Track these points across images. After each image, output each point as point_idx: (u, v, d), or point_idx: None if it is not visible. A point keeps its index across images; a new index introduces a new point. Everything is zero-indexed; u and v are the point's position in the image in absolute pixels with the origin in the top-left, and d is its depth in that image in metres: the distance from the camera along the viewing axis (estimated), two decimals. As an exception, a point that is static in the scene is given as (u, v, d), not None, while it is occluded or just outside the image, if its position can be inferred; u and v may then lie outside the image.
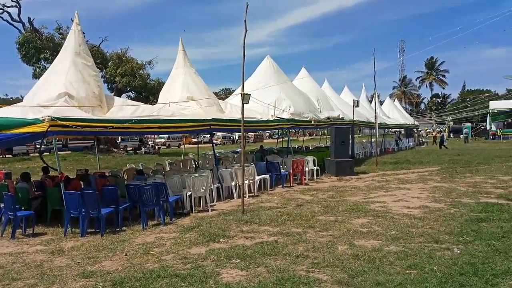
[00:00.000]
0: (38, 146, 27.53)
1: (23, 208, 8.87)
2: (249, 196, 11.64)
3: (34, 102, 9.28)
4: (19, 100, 36.50)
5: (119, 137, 37.54)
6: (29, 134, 8.01)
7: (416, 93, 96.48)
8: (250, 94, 10.01)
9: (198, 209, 10.17)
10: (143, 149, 37.38)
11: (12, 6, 34.76)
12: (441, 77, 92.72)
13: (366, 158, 24.41)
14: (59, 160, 9.10)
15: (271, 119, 15.04)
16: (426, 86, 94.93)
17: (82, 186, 9.97)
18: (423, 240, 6.71)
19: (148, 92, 37.84)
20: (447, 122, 67.72)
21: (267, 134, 62.82)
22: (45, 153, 26.33)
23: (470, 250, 6.04)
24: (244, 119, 10.24)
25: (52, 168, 11.37)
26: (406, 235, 6.99)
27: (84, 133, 9.80)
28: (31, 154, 31.39)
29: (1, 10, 34.52)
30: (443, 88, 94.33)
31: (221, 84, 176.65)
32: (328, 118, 18.97)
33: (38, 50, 34.38)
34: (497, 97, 77.49)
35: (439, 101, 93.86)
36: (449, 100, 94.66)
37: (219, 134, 52.50)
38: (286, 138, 21.40)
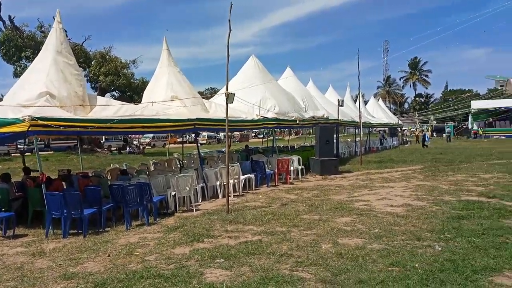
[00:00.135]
0: (20, 146, 27.09)
1: (3, 209, 8.68)
2: (234, 195, 11.63)
3: (14, 101, 9.13)
4: (-1, 99, 35.75)
5: (103, 137, 37.11)
6: (9, 134, 7.89)
7: (400, 93, 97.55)
8: (234, 94, 10.00)
9: (183, 209, 10.12)
10: (127, 149, 37.02)
11: (-8, 4, 34.07)
12: (424, 77, 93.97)
13: (350, 157, 24.60)
14: (40, 161, 8.96)
15: (256, 118, 15.06)
16: (410, 86, 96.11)
17: (65, 187, 9.83)
18: (406, 237, 6.79)
19: (132, 91, 37.51)
20: (430, 122, 68.69)
21: (253, 134, 62.85)
22: (27, 153, 25.89)
23: (451, 247, 6.13)
24: (229, 119, 10.23)
25: (32, 170, 11.19)
26: (389, 233, 7.07)
27: (65, 133, 9.67)
28: (12, 154, 30.82)
29: (-19, 8, 33.80)
30: (426, 88, 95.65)
31: (207, 84, 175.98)
32: (313, 117, 19.07)
33: (19, 49, 33.74)
34: (478, 97, 78.89)
35: (423, 100, 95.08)
36: (432, 99, 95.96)
37: (205, 133, 52.33)
38: (272, 138, 21.43)
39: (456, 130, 57.55)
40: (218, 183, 11.85)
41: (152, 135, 43.49)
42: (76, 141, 25.40)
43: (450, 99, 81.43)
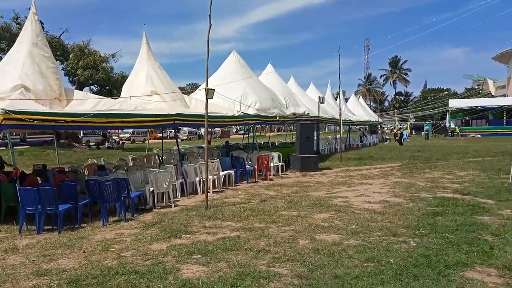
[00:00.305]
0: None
1: (-25, 205, 8.47)
2: (213, 191, 11.60)
3: (-13, 94, 8.86)
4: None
5: (81, 132, 36.46)
6: (-19, 128, 7.66)
7: (380, 91, 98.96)
8: (214, 89, 9.95)
9: (161, 205, 10.04)
10: (106, 144, 36.49)
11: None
12: (404, 76, 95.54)
13: (331, 154, 24.80)
14: (14, 155, 8.75)
15: (237, 114, 15.01)
16: (390, 84, 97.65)
17: (40, 182, 9.63)
18: (382, 233, 6.88)
19: (111, 85, 37.00)
20: (409, 120, 69.82)
21: (234, 130, 62.74)
22: (1, 148, 25.27)
23: (425, 243, 6.24)
24: (209, 114, 10.18)
25: (7, 164, 10.92)
26: (366, 229, 7.15)
27: (40, 127, 9.46)
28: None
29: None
30: (406, 86, 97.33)
31: (188, 79, 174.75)
32: (294, 114, 19.13)
33: (-6, 40, 32.90)
34: (456, 95, 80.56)
35: (402, 99, 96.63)
36: (411, 98, 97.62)
37: (185, 129, 52.00)
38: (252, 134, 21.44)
39: (434, 128, 58.65)
40: (197, 179, 11.79)
41: (132, 130, 42.98)
42: (52, 135, 24.85)
43: (428, 97, 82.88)
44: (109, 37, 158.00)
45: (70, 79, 36.99)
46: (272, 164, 15.08)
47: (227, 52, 18.45)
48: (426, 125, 54.75)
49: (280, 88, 20.02)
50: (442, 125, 59.69)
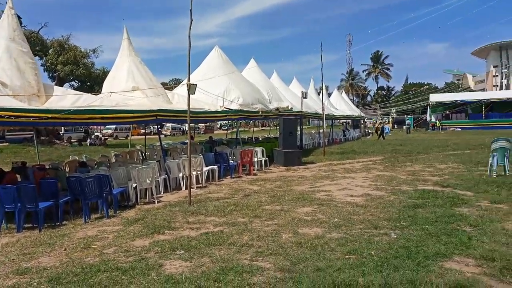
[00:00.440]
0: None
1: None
2: (197, 187, 11.58)
3: (-38, 90, 8.65)
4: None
5: (62, 128, 35.92)
6: (-44, 125, 7.48)
7: (363, 86, 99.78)
8: (196, 85, 9.89)
9: (144, 201, 9.97)
10: (88, 140, 36.01)
11: None
12: (386, 71, 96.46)
13: (314, 149, 24.95)
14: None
15: (220, 110, 14.97)
16: (372, 79, 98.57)
17: (19, 180, 9.46)
18: (364, 226, 6.97)
19: (92, 81, 36.49)
20: (391, 114, 70.69)
21: (218, 125, 62.57)
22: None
23: (406, 235, 6.35)
24: (192, 110, 10.14)
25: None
26: (348, 222, 7.23)
27: (18, 124, 9.28)
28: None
29: None
30: (388, 81, 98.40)
31: (171, 75, 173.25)
32: (277, 109, 19.17)
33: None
34: (436, 90, 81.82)
35: (384, 93, 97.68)
36: (393, 92, 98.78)
37: (169, 125, 51.63)
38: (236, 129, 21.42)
39: (416, 122, 59.49)
40: (180, 174, 11.75)
41: (114, 126, 42.48)
42: (32, 132, 24.41)
43: (410, 92, 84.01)
44: (90, 32, 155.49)
45: (50, 74, 36.36)
46: (255, 159, 15.12)
47: (210, 48, 18.36)
48: (408, 119, 55.53)
49: (263, 83, 20.02)
50: (423, 119, 60.58)
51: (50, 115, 8.30)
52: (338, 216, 7.76)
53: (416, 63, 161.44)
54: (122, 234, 6.98)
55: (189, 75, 9.68)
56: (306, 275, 4.78)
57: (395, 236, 6.29)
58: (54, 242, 6.67)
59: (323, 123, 24.48)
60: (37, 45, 32.50)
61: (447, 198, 8.95)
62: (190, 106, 9.85)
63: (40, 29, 35.53)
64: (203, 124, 53.45)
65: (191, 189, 9.69)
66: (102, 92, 12.61)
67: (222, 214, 8.15)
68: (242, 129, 51.47)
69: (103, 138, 38.74)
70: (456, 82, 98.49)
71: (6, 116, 7.41)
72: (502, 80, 76.74)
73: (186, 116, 9.83)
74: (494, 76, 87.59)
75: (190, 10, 9.16)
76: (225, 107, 15.26)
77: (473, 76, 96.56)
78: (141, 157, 15.91)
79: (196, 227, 7.24)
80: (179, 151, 15.89)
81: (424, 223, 6.94)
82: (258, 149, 15.79)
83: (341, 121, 45.61)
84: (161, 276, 4.93)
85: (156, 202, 9.72)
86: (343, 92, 53.45)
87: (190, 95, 9.72)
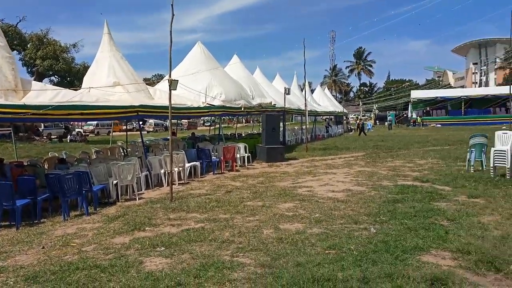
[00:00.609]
0: None
1: None
2: (179, 183, 11.51)
3: None
4: None
5: (42, 124, 35.24)
6: None
7: (345, 82, 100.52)
8: (177, 80, 9.82)
9: (125, 198, 9.88)
10: (69, 137, 35.43)
11: None
12: (368, 67, 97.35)
13: (297, 145, 25.06)
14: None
15: (202, 106, 14.90)
16: (355, 75, 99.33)
17: (-4, 177, 9.24)
18: (344, 221, 7.04)
19: (73, 76, 35.85)
20: (373, 110, 71.42)
21: (201, 122, 62.26)
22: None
23: (385, 229, 6.43)
24: (174, 106, 10.07)
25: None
26: (329, 218, 7.29)
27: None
28: None
29: None
30: (370, 78, 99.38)
31: (156, 70, 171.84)
32: (260, 105, 19.18)
33: None
34: (417, 86, 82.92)
35: (367, 89, 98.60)
36: (375, 89, 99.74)
37: (151, 121, 51.20)
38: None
39: (397, 118, 60.17)
40: (162, 171, 11.66)
41: (96, 122, 41.89)
42: (10, 128, 23.88)
43: (392, 88, 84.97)
44: (70, 26, 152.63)
45: (29, 69, 35.61)
46: (238, 155, 15.10)
47: (194, 43, 18.19)
48: (390, 116, 56.11)
49: (246, 79, 20.02)
50: (405, 115, 61.36)
51: (31, 111, 8.15)
52: (319, 211, 7.81)
53: (397, 60, 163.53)
54: (102, 231, 6.91)
55: (170, 71, 9.60)
56: (286, 270, 4.80)
57: (374, 231, 6.37)
58: (32, 240, 6.57)
59: (305, 119, 24.59)
60: (15, 39, 31.79)
61: (426, 193, 9.09)
62: (172, 102, 9.78)
63: (18, 23, 34.83)
64: (186, 120, 53.17)
65: (173, 185, 9.64)
66: (82, 87, 12.41)
67: (204, 211, 8.13)
68: (226, 125, 51.41)
69: (84, 134, 38.17)
70: (436, 79, 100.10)
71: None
72: (481, 78, 78.21)
73: (168, 112, 9.76)
74: (473, 73, 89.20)
75: (172, 4, 9.08)
76: (207, 103, 15.20)
77: (453, 73, 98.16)
78: (123, 154, 15.74)
79: (177, 224, 7.21)
80: (161, 147, 15.77)
81: (403, 218, 7.04)
82: (241, 145, 15.78)
83: (324, 117, 45.86)
84: (141, 273, 4.90)
85: (137, 199, 9.64)
86: (326, 88, 53.82)
87: (172, 91, 9.64)
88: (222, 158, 14.19)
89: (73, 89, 11.21)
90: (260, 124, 28.20)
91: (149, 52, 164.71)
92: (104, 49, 13.15)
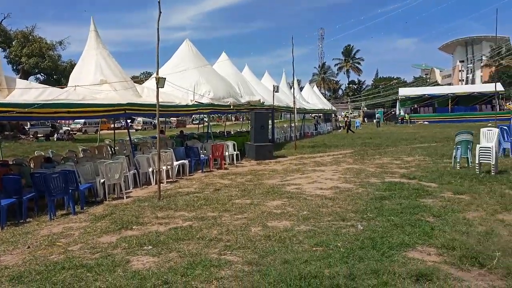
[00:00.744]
0: None
1: None
2: (167, 182, 11.47)
3: None
4: None
5: (28, 123, 34.81)
6: None
7: (334, 80, 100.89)
8: (165, 78, 9.76)
9: (113, 197, 9.81)
10: (56, 135, 35.03)
11: None
12: (357, 65, 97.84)
13: (286, 142, 25.12)
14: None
15: (190, 103, 14.83)
16: (344, 73, 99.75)
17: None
18: (332, 218, 7.08)
19: (59, 74, 35.41)
20: (361, 108, 71.86)
21: (190, 120, 62.04)
22: None
23: (372, 226, 6.48)
24: (162, 104, 10.01)
25: None
26: (316, 215, 7.33)
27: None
28: None
29: None
30: (359, 75, 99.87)
31: (142, 68, 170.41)
32: (249, 102, 19.15)
33: None
34: (405, 84, 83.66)
35: (355, 87, 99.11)
36: (364, 86, 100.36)
37: (140, 119, 50.88)
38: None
39: (385, 115, 60.70)
40: (150, 169, 11.60)
41: (83, 120, 41.48)
42: (-4, 127, 23.57)
43: (380, 86, 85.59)
44: (56, 23, 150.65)
45: (14, 67, 35.07)
46: (226, 153, 15.09)
47: (182, 40, 18.06)
48: (378, 113, 56.60)
49: (234, 77, 19.95)
50: (393, 112, 61.86)
51: (15, 109, 8.04)
52: (307, 209, 7.84)
53: (386, 57, 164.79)
54: (88, 230, 6.85)
55: (157, 68, 9.54)
56: (274, 267, 4.82)
57: (361, 228, 6.42)
58: (17, 240, 6.49)
59: (294, 116, 24.65)
60: (0, 36, 31.29)
61: (413, 190, 9.17)
62: (160, 100, 9.72)
63: (2, 20, 34.25)
64: (175, 118, 52.92)
65: (161, 184, 9.60)
66: (68, 85, 12.27)
67: (192, 209, 8.11)
68: (215, 123, 51.29)
69: (71, 132, 37.78)
70: (424, 76, 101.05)
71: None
72: (467, 75, 79.13)
73: (155, 110, 9.71)
74: (460, 70, 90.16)
75: (159, 2, 9.02)
76: (195, 101, 15.13)
77: (440, 71, 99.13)
78: (110, 152, 15.62)
79: (165, 222, 7.19)
80: (149, 145, 15.69)
81: (390, 215, 7.10)
82: (229, 143, 15.76)
83: (312, 115, 46.02)
84: (128, 272, 4.87)
85: (125, 197, 9.58)
86: (315, 86, 53.91)
87: (160, 89, 9.59)
88: (210, 156, 14.16)
89: (59, 87, 11.05)
90: (249, 122, 28.24)
91: (137, 49, 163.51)
92: (90, 46, 13.00)
